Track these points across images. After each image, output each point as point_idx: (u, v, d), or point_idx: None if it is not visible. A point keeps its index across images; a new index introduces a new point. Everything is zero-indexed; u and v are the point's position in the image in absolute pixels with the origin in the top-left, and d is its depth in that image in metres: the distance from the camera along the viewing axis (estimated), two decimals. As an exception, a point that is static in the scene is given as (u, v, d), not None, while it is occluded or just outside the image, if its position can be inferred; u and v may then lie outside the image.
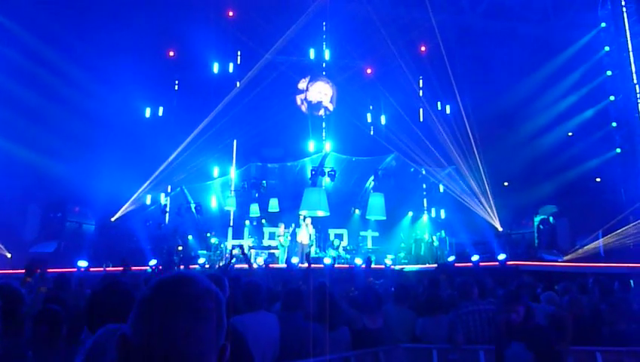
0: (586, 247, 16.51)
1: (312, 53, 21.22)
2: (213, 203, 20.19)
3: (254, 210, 19.04)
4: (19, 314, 3.44)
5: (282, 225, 17.33)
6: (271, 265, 13.54)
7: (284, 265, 15.17)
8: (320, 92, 21.10)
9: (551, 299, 6.45)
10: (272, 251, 17.14)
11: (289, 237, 16.89)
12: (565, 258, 16.05)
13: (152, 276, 8.60)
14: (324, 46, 21.23)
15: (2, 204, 15.65)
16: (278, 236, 17.42)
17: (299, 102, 20.98)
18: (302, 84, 21.11)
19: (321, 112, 21.02)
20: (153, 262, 12.61)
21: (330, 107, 21.03)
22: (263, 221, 18.93)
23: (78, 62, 17.28)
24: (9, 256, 15.57)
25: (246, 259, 6.57)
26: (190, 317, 1.21)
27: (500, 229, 18.19)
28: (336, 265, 14.68)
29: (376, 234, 19.49)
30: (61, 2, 17.44)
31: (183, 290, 1.24)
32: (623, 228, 16.13)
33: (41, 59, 16.90)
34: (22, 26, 16.80)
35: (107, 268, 12.91)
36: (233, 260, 10.57)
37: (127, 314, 1.27)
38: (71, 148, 16.57)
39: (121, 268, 8.53)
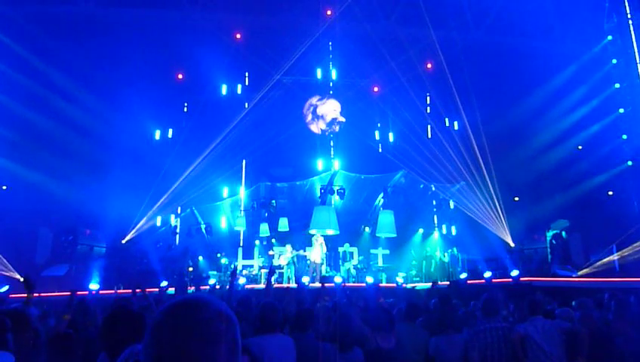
0: (600, 262, 16.27)
1: (319, 73, 21.39)
2: (223, 223, 20.21)
3: (264, 229, 19.02)
4: (30, 336, 3.45)
5: (289, 246, 17.28)
6: (276, 285, 13.48)
7: (292, 285, 15.11)
8: (332, 108, 21.16)
9: (566, 315, 6.35)
10: (281, 271, 17.08)
11: (295, 259, 16.85)
12: (579, 273, 15.81)
13: (162, 297, 8.59)
14: (331, 65, 21.40)
15: (14, 227, 15.76)
16: (281, 254, 17.40)
17: (309, 118, 20.97)
18: (313, 101, 21.18)
19: (336, 128, 21.04)
20: (165, 283, 12.62)
21: (343, 119, 21.04)
22: (273, 240, 18.89)
23: (88, 86, 17.54)
24: (21, 279, 15.61)
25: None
26: (201, 340, 1.20)
27: (512, 245, 18.00)
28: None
29: (387, 251, 19.35)
30: (72, 29, 17.76)
31: (193, 314, 1.24)
32: (638, 242, 15.89)
33: (50, 83, 17.17)
34: (33, 52, 17.13)
35: (118, 291, 12.91)
36: (243, 281, 10.54)
37: (141, 337, 1.26)
38: (81, 171, 16.73)
39: (130, 291, 8.55)
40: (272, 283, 8.55)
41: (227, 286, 15.71)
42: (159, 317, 1.25)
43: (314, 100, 21.15)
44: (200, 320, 1.23)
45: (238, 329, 1.28)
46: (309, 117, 21.02)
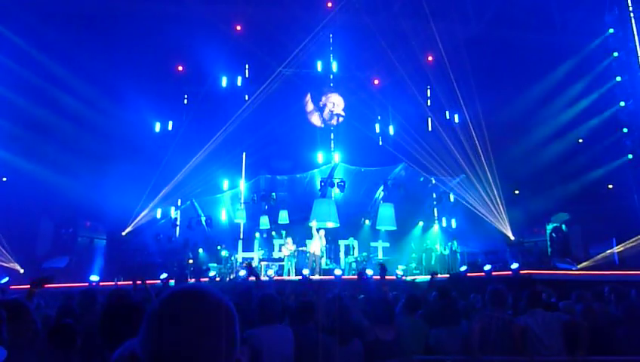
0: (600, 255, 16.30)
1: (319, 66, 21.31)
2: (223, 216, 20.20)
3: (264, 222, 19.03)
4: (26, 328, 3.45)
5: (289, 239, 17.30)
6: (276, 278, 13.51)
7: (293, 277, 15.15)
8: (334, 103, 21.15)
9: (568, 308, 6.37)
10: (282, 263, 17.11)
11: (295, 253, 16.89)
12: (579, 266, 15.85)
13: (163, 289, 8.59)
14: (332, 58, 21.32)
15: (15, 219, 15.82)
16: (282, 246, 17.41)
17: (310, 108, 20.92)
18: (312, 98, 21.17)
19: (334, 121, 21.02)
20: (164, 275, 12.65)
21: (343, 113, 21.04)
22: (273, 233, 18.91)
23: (88, 79, 17.53)
24: (22, 271, 15.68)
25: (254, 273, 6.51)
26: (200, 331, 1.18)
27: (512, 238, 18.01)
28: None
29: (387, 244, 19.36)
30: (71, 21, 17.71)
31: (193, 304, 1.22)
32: (638, 236, 15.91)
33: (50, 76, 17.13)
34: (33, 44, 17.08)
35: (118, 282, 12.95)
36: (243, 273, 10.56)
37: (139, 328, 1.23)
38: (81, 163, 16.75)
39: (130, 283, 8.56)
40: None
41: (227, 279, 15.82)
42: (158, 306, 1.22)
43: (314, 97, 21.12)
44: (200, 310, 1.21)
45: (237, 320, 1.26)
46: (310, 107, 20.95)
